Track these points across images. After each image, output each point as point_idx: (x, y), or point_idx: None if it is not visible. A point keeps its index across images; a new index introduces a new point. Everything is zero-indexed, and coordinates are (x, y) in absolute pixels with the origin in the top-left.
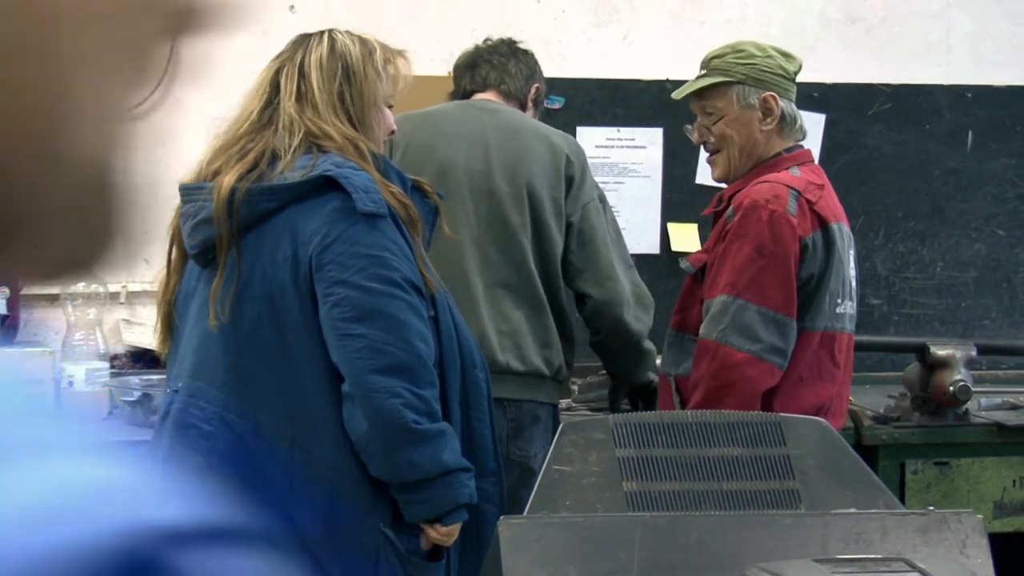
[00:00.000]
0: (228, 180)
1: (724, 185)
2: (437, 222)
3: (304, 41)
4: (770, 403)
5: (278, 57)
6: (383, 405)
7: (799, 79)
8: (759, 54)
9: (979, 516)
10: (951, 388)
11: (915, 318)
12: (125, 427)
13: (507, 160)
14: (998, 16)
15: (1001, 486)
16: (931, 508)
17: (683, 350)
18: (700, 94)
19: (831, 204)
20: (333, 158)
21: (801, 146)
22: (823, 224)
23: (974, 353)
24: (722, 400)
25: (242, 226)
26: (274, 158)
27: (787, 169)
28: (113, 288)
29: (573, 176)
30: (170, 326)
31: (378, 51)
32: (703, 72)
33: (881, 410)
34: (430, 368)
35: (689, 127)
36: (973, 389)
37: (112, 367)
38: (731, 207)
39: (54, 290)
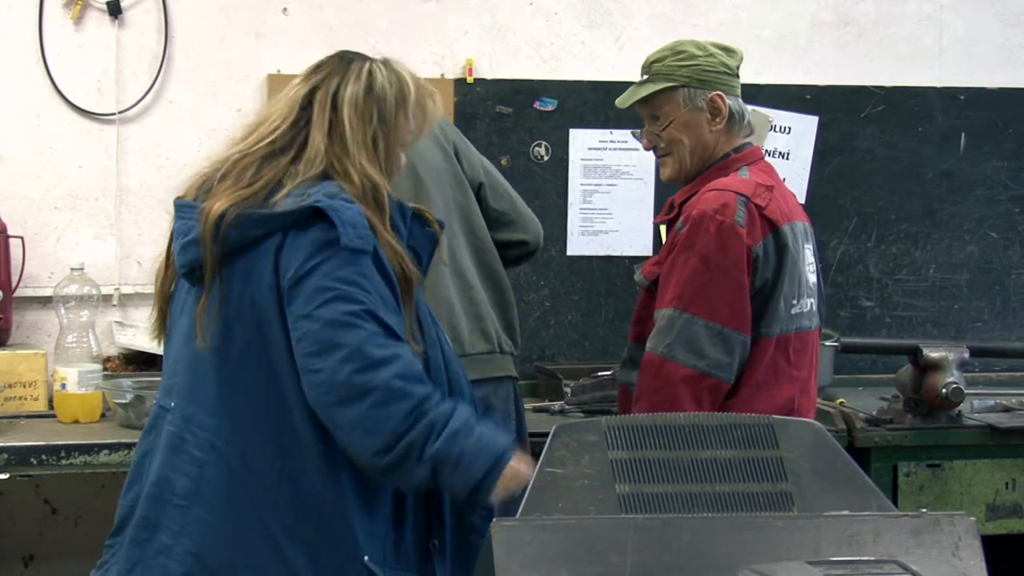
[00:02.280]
0: (220, 204)
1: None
2: (436, 250)
3: (343, 67)
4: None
5: (314, 74)
6: (348, 440)
7: (791, 81)
8: (700, 53)
9: (972, 518)
10: (944, 390)
11: (908, 320)
12: (118, 429)
13: None
14: (990, 19)
15: (994, 488)
16: (924, 510)
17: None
18: (646, 100)
19: (782, 205)
20: (328, 187)
21: (750, 144)
22: (774, 228)
23: (967, 355)
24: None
25: (230, 250)
26: (278, 187)
27: (736, 171)
28: (106, 290)
29: (456, 145)
30: (164, 322)
31: (412, 95)
32: (645, 78)
33: (874, 412)
34: (399, 386)
35: (637, 132)
36: (966, 391)
37: (105, 369)
38: (681, 218)
39: (47, 292)
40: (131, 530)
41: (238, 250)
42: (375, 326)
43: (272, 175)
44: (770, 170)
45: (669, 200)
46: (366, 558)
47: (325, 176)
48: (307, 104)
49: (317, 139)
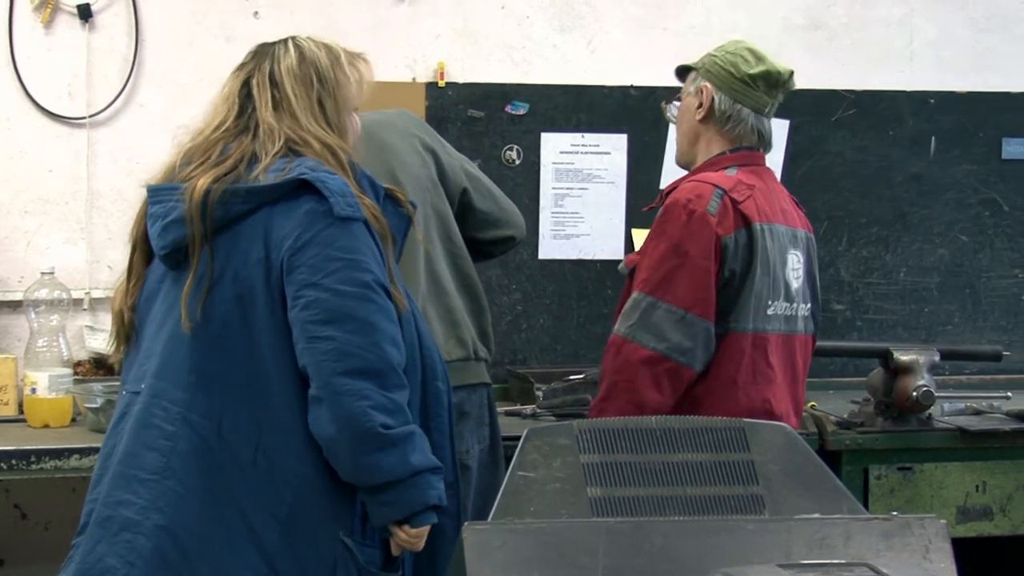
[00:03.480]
0: (203, 182)
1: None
2: (410, 231)
3: (268, 50)
4: (700, 406)
5: (242, 68)
6: (351, 408)
7: None
8: (729, 50)
9: (942, 521)
10: (914, 393)
11: (879, 323)
12: (88, 434)
13: (371, 165)
14: (960, 23)
15: (964, 491)
16: (894, 513)
17: None
18: (681, 75)
19: (762, 204)
20: (307, 162)
21: (752, 149)
22: (747, 224)
23: (937, 358)
24: (623, 395)
25: (216, 227)
26: (253, 161)
27: (724, 168)
28: (76, 295)
29: (434, 150)
30: (128, 332)
31: (343, 56)
32: None
33: (845, 415)
34: (399, 372)
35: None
36: (936, 394)
37: (75, 374)
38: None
39: (17, 296)
40: (96, 510)
41: (223, 226)
42: (381, 298)
43: (241, 151)
44: (762, 174)
45: (660, 193)
46: (340, 533)
47: (289, 150)
48: (246, 93)
49: (266, 117)
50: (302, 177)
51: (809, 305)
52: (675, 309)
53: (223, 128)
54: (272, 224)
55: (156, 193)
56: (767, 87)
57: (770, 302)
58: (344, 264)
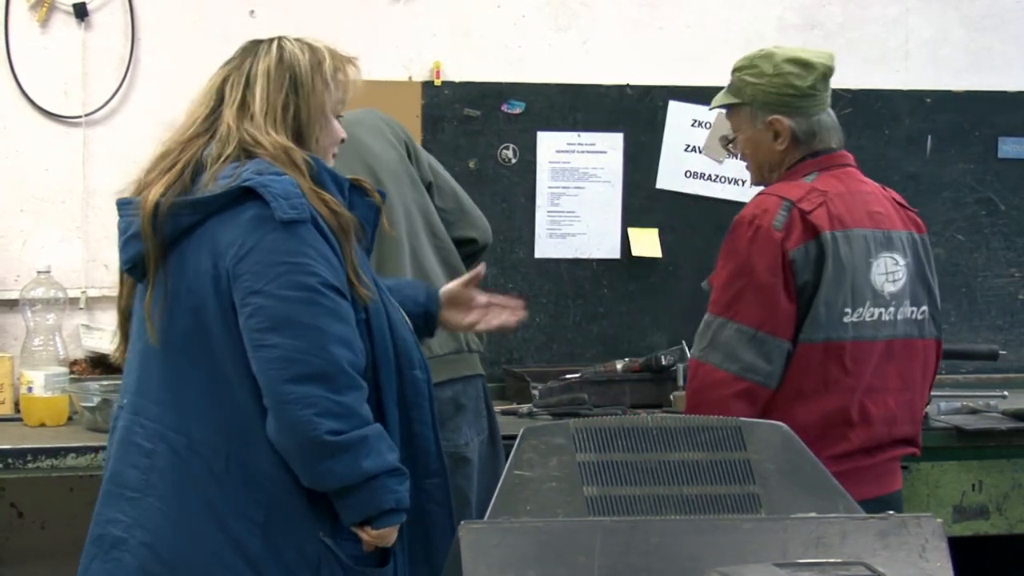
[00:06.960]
0: (153, 195)
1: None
2: (380, 220)
3: (253, 48)
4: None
5: (227, 64)
6: (296, 417)
7: None
8: (769, 72)
9: (938, 520)
10: None
11: None
12: (84, 432)
13: (350, 164)
14: (955, 22)
15: (960, 490)
16: (890, 512)
17: None
18: (725, 107)
19: (838, 210)
20: (257, 165)
21: (832, 149)
22: (816, 234)
23: None
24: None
25: (168, 240)
26: (199, 169)
27: (804, 176)
28: (72, 294)
29: (406, 142)
30: (126, 335)
31: (327, 60)
32: (727, 85)
33: None
34: (350, 373)
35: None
36: (932, 393)
37: (71, 372)
38: None
39: (13, 295)
40: (91, 527)
41: (174, 239)
42: (329, 299)
43: (189, 156)
44: (845, 177)
45: None
46: (320, 534)
47: (242, 149)
48: (221, 89)
49: (227, 117)
50: (245, 184)
51: (923, 308)
52: (745, 329)
53: (192, 128)
54: (218, 234)
55: (122, 207)
56: (824, 85)
57: (847, 309)
58: (288, 268)
